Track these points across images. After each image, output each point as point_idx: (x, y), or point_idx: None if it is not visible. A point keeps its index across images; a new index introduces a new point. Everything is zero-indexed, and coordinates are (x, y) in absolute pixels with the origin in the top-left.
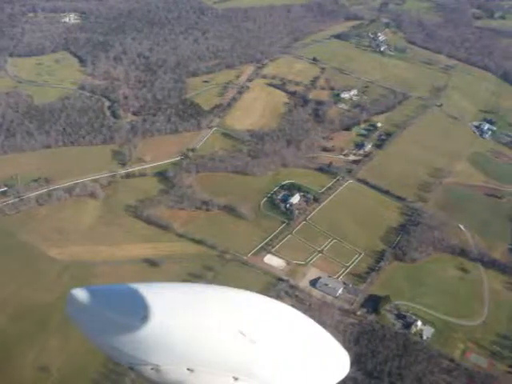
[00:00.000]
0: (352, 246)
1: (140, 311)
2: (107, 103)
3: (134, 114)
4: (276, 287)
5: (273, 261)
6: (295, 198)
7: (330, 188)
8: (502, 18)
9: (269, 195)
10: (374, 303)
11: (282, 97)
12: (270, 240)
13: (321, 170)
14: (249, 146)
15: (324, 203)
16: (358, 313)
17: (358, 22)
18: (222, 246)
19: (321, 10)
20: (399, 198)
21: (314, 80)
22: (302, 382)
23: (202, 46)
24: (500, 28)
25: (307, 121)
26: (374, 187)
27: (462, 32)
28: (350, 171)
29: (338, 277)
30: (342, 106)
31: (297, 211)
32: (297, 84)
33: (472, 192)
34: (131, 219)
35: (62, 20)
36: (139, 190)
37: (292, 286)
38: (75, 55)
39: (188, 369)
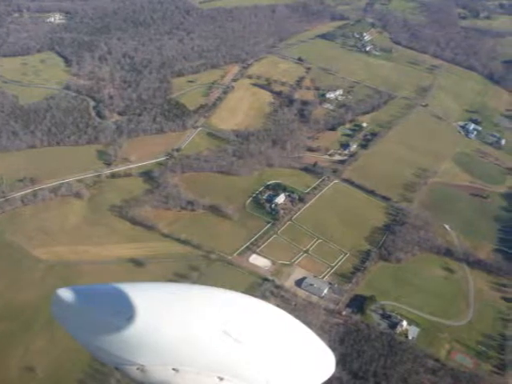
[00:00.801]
0: (337, 246)
1: (125, 311)
2: (92, 103)
3: (120, 113)
4: (261, 287)
5: (258, 261)
6: (280, 198)
7: (315, 188)
8: (488, 17)
9: (254, 195)
10: (359, 303)
11: (267, 97)
12: (256, 240)
13: (306, 170)
14: (234, 146)
15: (309, 203)
16: (344, 313)
17: (343, 22)
18: (207, 246)
19: (306, 9)
20: (384, 198)
21: (300, 80)
22: (287, 381)
23: (187, 45)
24: (485, 28)
25: (292, 121)
26: (359, 187)
27: (447, 32)
28: (335, 171)
29: (324, 277)
30: (328, 106)
31: (282, 211)
32: (282, 84)
33: (457, 192)
34: (116, 219)
35: (48, 20)
36: (124, 190)
37: (277, 286)
38: (60, 55)
39: (173, 369)
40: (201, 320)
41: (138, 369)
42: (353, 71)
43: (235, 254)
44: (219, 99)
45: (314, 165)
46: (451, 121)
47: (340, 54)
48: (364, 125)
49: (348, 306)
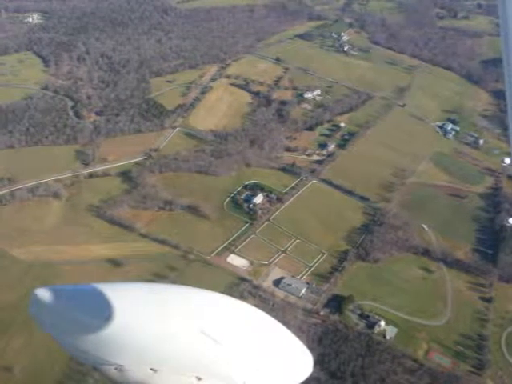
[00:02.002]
0: (315, 246)
1: (104, 311)
2: (70, 103)
3: (97, 114)
4: (239, 287)
5: (236, 261)
6: (258, 198)
7: (293, 188)
8: (466, 18)
9: (232, 195)
10: (337, 303)
11: (245, 97)
12: (234, 240)
13: (284, 170)
14: (212, 146)
15: (287, 203)
16: (322, 313)
17: (321, 22)
18: (186, 246)
19: (284, 10)
20: (362, 198)
21: (278, 80)
22: (265, 381)
23: (166, 45)
24: (463, 28)
25: (270, 121)
26: (337, 187)
27: (425, 32)
28: (313, 171)
29: (302, 277)
30: (306, 106)
31: (260, 211)
32: (260, 84)
33: (435, 192)
34: (94, 219)
35: (26, 20)
36: (102, 190)
37: (255, 286)
38: (38, 55)
39: (151, 369)
40: (179, 320)
41: (116, 369)
42: (331, 71)
43: (213, 254)
44: (197, 99)
45: (292, 165)
46: (429, 121)
47: (318, 54)
48: (342, 125)
49: (326, 306)
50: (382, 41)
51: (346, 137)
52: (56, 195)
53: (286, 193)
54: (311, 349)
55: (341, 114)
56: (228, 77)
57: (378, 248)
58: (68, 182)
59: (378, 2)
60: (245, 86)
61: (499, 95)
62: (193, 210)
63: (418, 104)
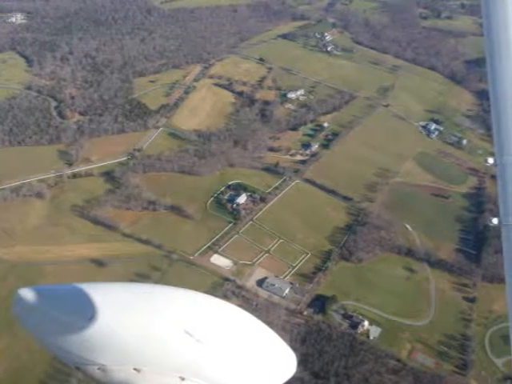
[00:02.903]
0: (299, 246)
1: (87, 311)
2: (54, 103)
3: (81, 114)
4: (223, 287)
5: (219, 261)
6: (242, 198)
7: (276, 188)
8: (449, 18)
9: (215, 195)
10: (320, 303)
11: (228, 97)
12: (217, 240)
13: (267, 170)
14: (195, 146)
15: (271, 203)
16: (305, 313)
17: (304, 22)
18: (169, 246)
19: (267, 10)
20: (346, 198)
21: (261, 80)
22: (248, 382)
23: (149, 45)
24: (447, 28)
25: (254, 121)
26: (320, 187)
27: (408, 32)
28: (296, 171)
29: (285, 277)
30: (289, 106)
31: (243, 211)
32: (244, 84)
33: (418, 192)
34: (78, 219)
35: (9, 20)
36: (86, 190)
37: (239, 286)
38: (22, 55)
39: (134, 369)
40: (163, 320)
41: (99, 369)
42: (314, 71)
43: (197, 254)
44: (181, 99)
45: (276, 165)
46: (413, 121)
47: (301, 54)
48: (325, 125)
49: (309, 306)
50: (365, 41)
51: (330, 137)
52: (39, 195)
53: (269, 193)
54: (295, 349)
55: (324, 114)
56: (211, 77)
57: (362, 248)
58: (51, 182)
59: (361, 2)
60: (228, 86)
61: (482, 95)
62: (176, 209)
63: (401, 104)
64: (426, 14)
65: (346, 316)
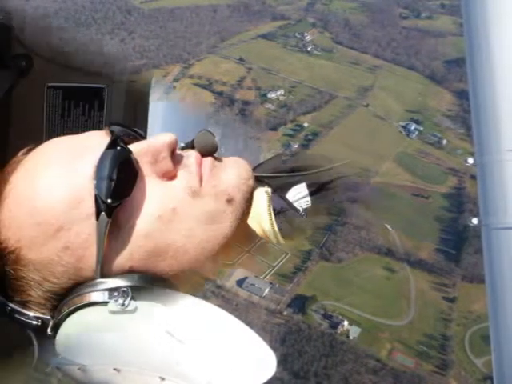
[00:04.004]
0: (278, 245)
1: None
2: None
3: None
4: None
5: None
6: None
7: None
8: (429, 17)
9: None
10: (300, 303)
11: (208, 97)
12: None
13: None
14: None
15: None
16: (285, 313)
17: (284, 22)
18: None
19: (247, 9)
20: None
21: (241, 80)
22: (228, 382)
23: (129, 45)
24: (427, 28)
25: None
26: None
27: (388, 32)
28: None
29: (265, 277)
30: (269, 106)
31: None
32: (223, 84)
33: (398, 192)
34: None
35: None
36: None
37: (218, 286)
38: None
39: (114, 369)
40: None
41: (79, 369)
42: (294, 71)
43: None
44: None
45: None
46: (392, 121)
47: (281, 54)
48: (305, 125)
49: (289, 306)
50: (345, 41)
51: (310, 137)
52: None
53: None
54: (274, 349)
55: (304, 114)
56: (191, 77)
57: (342, 248)
58: None
59: (341, 2)
60: (208, 86)
61: (462, 95)
62: None
63: (381, 104)
64: (405, 14)
65: (325, 316)
